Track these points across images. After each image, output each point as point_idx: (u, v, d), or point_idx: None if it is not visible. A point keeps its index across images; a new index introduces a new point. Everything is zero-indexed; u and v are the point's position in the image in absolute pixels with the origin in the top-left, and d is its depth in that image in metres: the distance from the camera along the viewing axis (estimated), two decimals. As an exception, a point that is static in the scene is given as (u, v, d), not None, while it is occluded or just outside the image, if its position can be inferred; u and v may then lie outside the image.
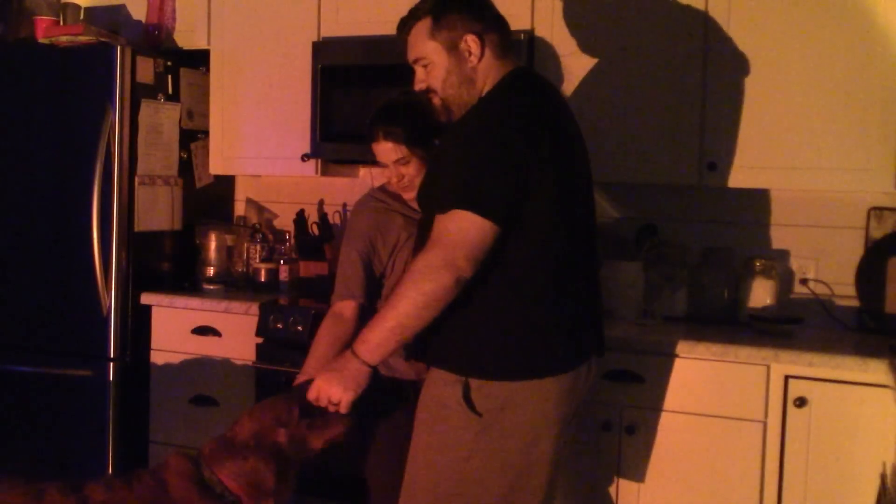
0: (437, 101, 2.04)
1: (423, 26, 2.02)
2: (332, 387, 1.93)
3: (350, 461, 2.36)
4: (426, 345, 1.97)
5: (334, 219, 3.59)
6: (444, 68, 2.00)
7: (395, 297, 1.85)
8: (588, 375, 2.05)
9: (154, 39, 3.45)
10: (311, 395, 1.96)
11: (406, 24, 2.06)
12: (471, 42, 1.99)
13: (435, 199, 1.92)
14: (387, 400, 2.26)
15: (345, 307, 2.34)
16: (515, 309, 1.90)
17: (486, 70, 2.01)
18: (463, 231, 1.82)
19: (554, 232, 1.92)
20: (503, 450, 1.90)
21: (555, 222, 1.92)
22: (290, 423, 1.98)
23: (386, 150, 2.30)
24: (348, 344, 2.18)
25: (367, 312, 2.32)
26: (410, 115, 2.24)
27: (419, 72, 2.05)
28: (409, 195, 2.33)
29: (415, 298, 1.82)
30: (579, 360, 1.99)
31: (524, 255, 1.89)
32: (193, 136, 3.49)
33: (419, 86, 2.06)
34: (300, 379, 2.23)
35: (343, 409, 1.95)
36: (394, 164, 2.31)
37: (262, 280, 3.42)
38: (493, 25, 2.03)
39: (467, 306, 1.88)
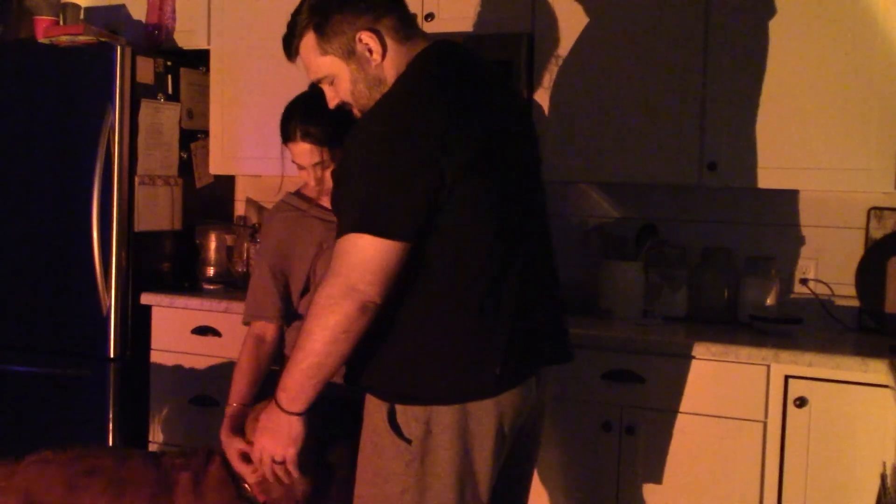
0: (355, 111, 1.85)
1: (308, 43, 1.81)
2: (271, 447, 1.81)
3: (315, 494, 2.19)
4: (355, 367, 1.80)
5: (334, 219, 3.59)
6: (349, 79, 1.79)
7: (303, 336, 1.70)
8: (541, 388, 1.89)
9: (154, 39, 3.45)
10: (255, 457, 1.87)
11: (290, 45, 1.86)
12: (367, 40, 1.76)
13: (338, 217, 1.75)
14: (344, 423, 2.06)
15: (265, 329, 2.22)
16: (434, 327, 1.72)
17: (393, 63, 1.77)
18: (361, 254, 1.64)
19: (476, 240, 1.71)
20: (436, 482, 1.73)
21: (477, 229, 1.71)
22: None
23: (303, 151, 2.12)
24: (270, 364, 2.17)
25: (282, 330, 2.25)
26: (330, 112, 1.93)
27: (327, 90, 1.85)
28: (327, 201, 2.10)
29: (321, 334, 1.67)
30: (516, 379, 1.77)
31: (441, 268, 1.70)
32: (193, 136, 3.49)
33: (332, 103, 1.86)
34: (231, 409, 2.15)
35: (290, 465, 1.82)
36: (312, 167, 2.14)
37: (262, 280, 3.41)
38: (383, 9, 1.78)
39: (387, 325, 1.72)
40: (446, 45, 1.83)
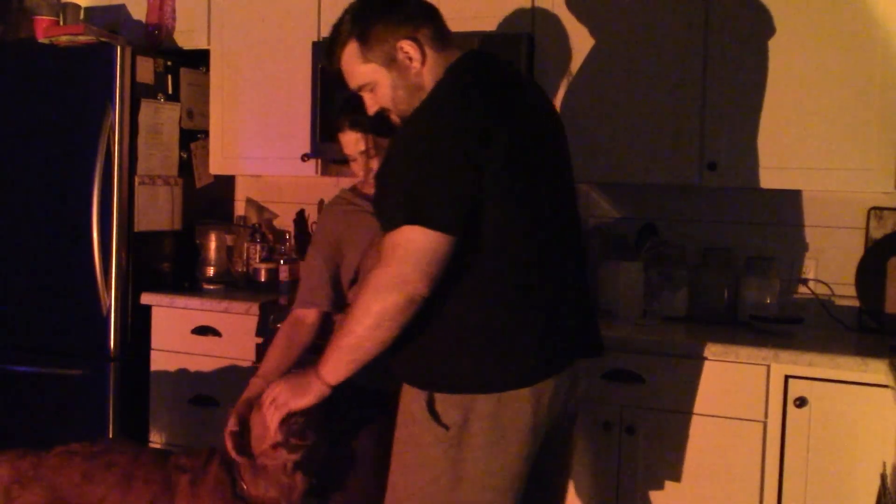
0: (394, 117, 1.92)
1: (351, 52, 1.86)
2: (284, 391, 1.89)
3: (331, 479, 2.24)
4: (395, 357, 1.86)
5: (334, 219, 3.59)
6: (389, 86, 1.86)
7: (349, 317, 1.78)
8: (574, 380, 1.94)
9: (154, 39, 3.45)
10: (264, 397, 1.94)
11: (332, 53, 1.90)
12: (407, 48, 1.83)
13: (383, 213, 1.81)
14: (368, 413, 2.19)
15: (306, 314, 2.28)
16: (474, 318, 1.78)
17: (431, 70, 1.85)
18: (412, 245, 1.69)
19: (515, 234, 1.78)
20: (472, 467, 1.79)
21: (516, 223, 1.78)
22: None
23: (352, 140, 2.21)
24: (306, 349, 2.21)
25: (329, 318, 2.30)
26: None
27: (367, 97, 1.91)
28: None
29: (364, 319, 1.73)
30: (552, 370, 1.84)
31: (481, 262, 1.76)
32: (193, 136, 3.49)
33: (371, 110, 1.93)
34: (254, 383, 2.19)
35: (279, 414, 1.90)
36: (361, 156, 2.23)
37: (262, 280, 3.42)
38: (421, 20, 1.85)
39: (428, 317, 1.77)
40: (480, 53, 1.92)
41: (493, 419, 1.78)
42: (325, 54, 1.94)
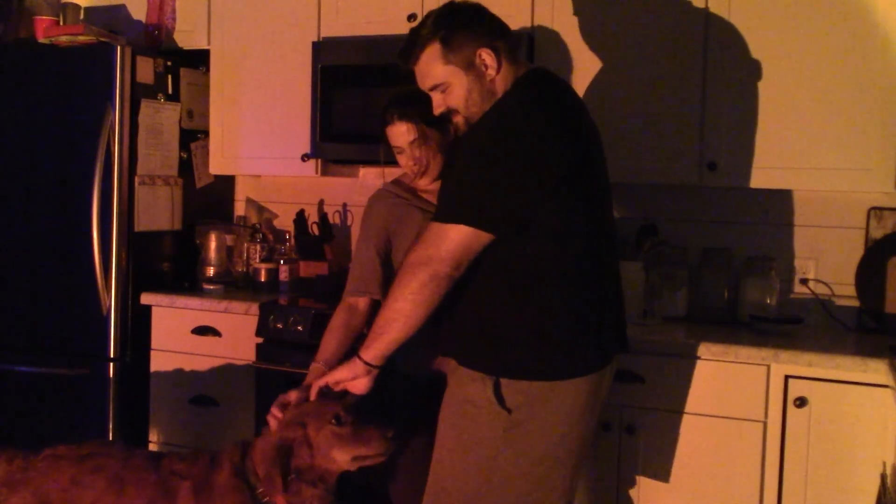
0: (459, 119, 2.03)
1: (432, 52, 1.99)
2: (339, 372, 2.02)
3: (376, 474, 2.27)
4: (457, 342, 2.03)
5: (334, 219, 3.59)
6: (465, 88, 1.99)
7: (387, 296, 1.95)
8: (611, 375, 2.09)
9: (154, 39, 3.45)
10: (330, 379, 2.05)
11: (411, 53, 2.03)
12: (486, 56, 1.98)
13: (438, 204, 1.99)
14: (421, 412, 2.21)
15: (358, 301, 2.33)
16: (538, 311, 1.94)
17: (504, 78, 2.00)
18: (449, 233, 1.88)
19: (580, 232, 1.95)
20: (530, 448, 1.93)
21: (580, 222, 1.95)
22: (316, 424, 2.02)
23: (401, 132, 2.27)
24: (358, 336, 2.27)
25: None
26: (425, 98, 2.11)
27: (436, 97, 2.04)
28: (425, 182, 2.32)
29: (394, 294, 1.91)
30: (605, 361, 2.03)
31: (552, 256, 1.93)
32: (193, 136, 3.49)
33: (437, 110, 2.05)
34: (314, 368, 2.23)
35: (319, 383, 2.04)
36: (409, 147, 2.28)
37: (262, 280, 3.42)
38: (499, 34, 2.01)
39: (497, 305, 1.95)
40: (544, 70, 2.10)
41: (553, 405, 1.93)
42: (402, 53, 2.05)
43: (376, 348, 1.96)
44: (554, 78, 2.08)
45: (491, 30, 2.01)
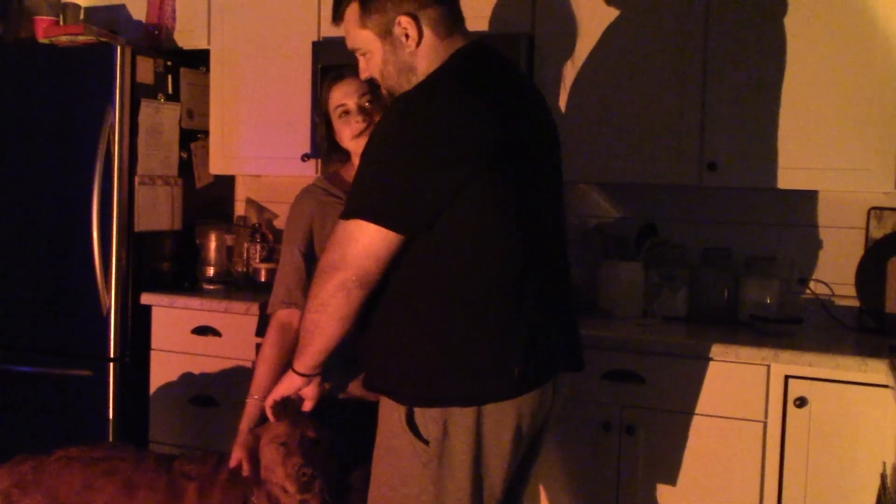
0: (383, 90, 1.89)
1: (352, 12, 1.81)
2: (280, 387, 1.96)
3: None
4: (368, 366, 1.86)
5: (334, 219, 3.59)
6: (381, 58, 1.80)
7: (305, 304, 1.82)
8: (555, 393, 1.88)
9: (154, 39, 3.45)
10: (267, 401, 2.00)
11: (336, 9, 1.85)
12: (405, 24, 1.76)
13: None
14: (368, 446, 1.96)
15: (292, 316, 2.12)
16: (452, 329, 1.73)
17: (427, 53, 1.77)
18: (354, 235, 1.69)
19: (497, 244, 1.73)
20: (450, 482, 1.75)
21: (497, 233, 1.72)
22: (267, 438, 2.00)
23: (352, 88, 2.09)
24: (287, 358, 2.12)
25: None
26: None
27: (360, 61, 1.86)
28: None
29: (309, 304, 1.77)
30: (533, 383, 1.78)
31: (461, 272, 1.71)
32: (193, 136, 3.49)
33: (363, 75, 1.88)
34: (250, 404, 2.11)
35: (269, 399, 1.97)
36: (357, 105, 2.10)
37: (262, 280, 3.42)
38: (434, 0, 1.78)
39: (404, 329, 1.75)
40: (482, 49, 1.84)
41: (474, 433, 1.74)
42: (333, 7, 1.87)
43: (305, 360, 1.85)
44: (489, 57, 1.83)
45: None
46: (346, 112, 2.13)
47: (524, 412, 1.77)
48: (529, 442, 1.87)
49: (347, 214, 1.71)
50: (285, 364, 2.03)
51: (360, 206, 1.70)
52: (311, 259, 2.14)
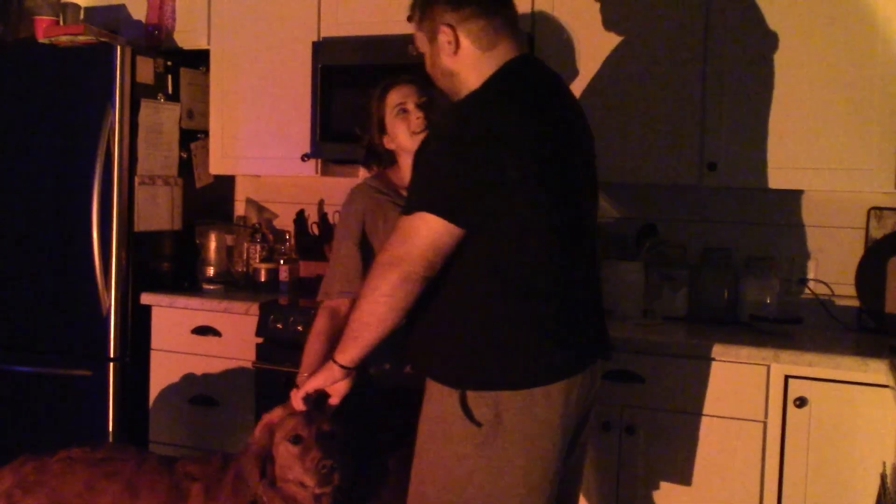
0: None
1: (415, 18, 2.02)
2: (311, 381, 1.98)
3: (361, 495, 2.18)
4: (421, 354, 1.95)
5: (334, 219, 3.59)
6: (430, 57, 1.98)
7: (360, 297, 1.88)
8: (593, 381, 2.00)
9: (154, 39, 3.45)
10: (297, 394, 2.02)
11: (411, 10, 2.05)
12: (445, 33, 1.92)
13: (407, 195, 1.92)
14: (401, 426, 2.08)
15: (341, 304, 2.23)
16: (503, 316, 1.85)
17: (467, 62, 1.92)
18: (416, 230, 1.80)
19: (543, 237, 1.85)
20: (504, 462, 1.84)
21: (544, 227, 1.85)
22: (280, 435, 2.00)
23: (411, 90, 2.23)
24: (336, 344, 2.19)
25: None
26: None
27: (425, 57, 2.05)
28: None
29: (367, 296, 1.84)
30: (578, 368, 1.91)
31: (509, 260, 1.83)
32: (193, 136, 3.49)
33: (427, 68, 2.06)
34: (301, 376, 2.16)
35: (298, 392, 1.99)
36: (416, 107, 2.23)
37: (262, 280, 3.42)
38: (474, 14, 1.91)
39: (458, 317, 1.86)
40: (527, 60, 1.98)
41: (525, 415, 1.83)
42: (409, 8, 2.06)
43: (352, 352, 1.90)
44: (536, 69, 1.98)
45: (461, 8, 1.91)
46: (405, 110, 2.25)
47: (571, 396, 1.88)
48: (575, 429, 1.96)
49: (412, 209, 1.82)
50: (330, 347, 2.13)
51: (426, 200, 1.80)
52: (365, 253, 2.24)
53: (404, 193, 2.24)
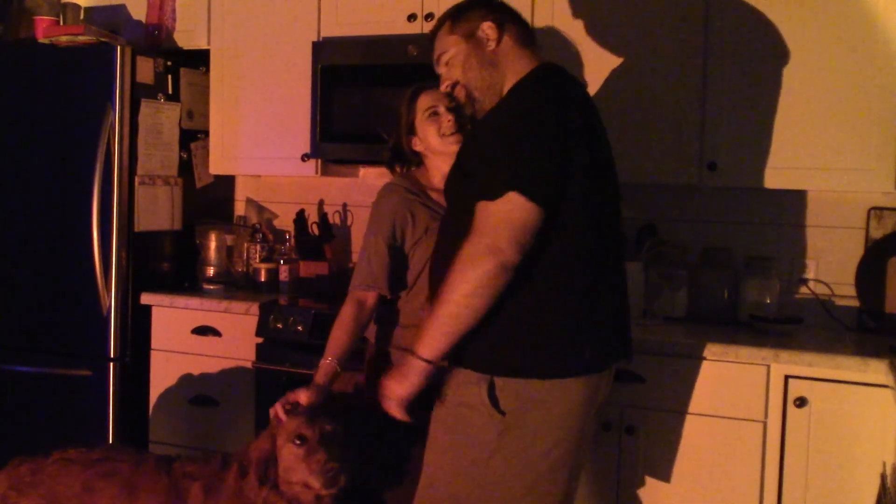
0: (461, 92, 2.06)
1: (445, 28, 2.10)
2: (392, 386, 1.91)
3: (384, 483, 2.24)
4: (458, 346, 1.92)
5: (334, 219, 3.59)
6: (464, 53, 2.03)
7: (444, 288, 1.83)
8: (610, 379, 2.03)
9: (154, 39, 3.45)
10: (380, 395, 1.95)
11: (432, 32, 2.14)
12: (487, 28, 2.02)
13: (471, 189, 1.88)
14: (424, 416, 2.06)
15: (367, 296, 2.28)
16: (545, 306, 1.88)
17: (507, 55, 2.02)
18: (506, 214, 1.78)
19: (586, 229, 1.90)
20: (524, 451, 1.88)
21: (587, 219, 1.90)
22: (284, 437, 1.99)
23: (441, 94, 2.24)
24: (359, 333, 2.25)
25: (385, 303, 2.32)
26: None
27: (443, 71, 2.10)
28: (455, 147, 2.24)
29: (461, 287, 1.80)
30: (605, 363, 1.97)
31: (556, 252, 1.86)
32: (193, 136, 3.49)
33: (444, 85, 2.10)
34: (325, 364, 2.19)
35: (395, 404, 1.91)
36: (446, 111, 2.29)
37: (262, 280, 3.42)
38: (510, 18, 2.07)
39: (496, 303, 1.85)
40: (558, 65, 2.07)
41: (550, 406, 1.87)
42: (430, 34, 2.16)
43: (439, 346, 1.85)
44: (568, 73, 2.07)
45: (499, 11, 2.06)
46: (436, 113, 2.32)
47: (591, 392, 1.93)
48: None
49: (495, 192, 1.79)
50: (357, 335, 2.25)
51: (509, 179, 1.79)
52: (394, 250, 2.29)
53: (432, 194, 2.32)
